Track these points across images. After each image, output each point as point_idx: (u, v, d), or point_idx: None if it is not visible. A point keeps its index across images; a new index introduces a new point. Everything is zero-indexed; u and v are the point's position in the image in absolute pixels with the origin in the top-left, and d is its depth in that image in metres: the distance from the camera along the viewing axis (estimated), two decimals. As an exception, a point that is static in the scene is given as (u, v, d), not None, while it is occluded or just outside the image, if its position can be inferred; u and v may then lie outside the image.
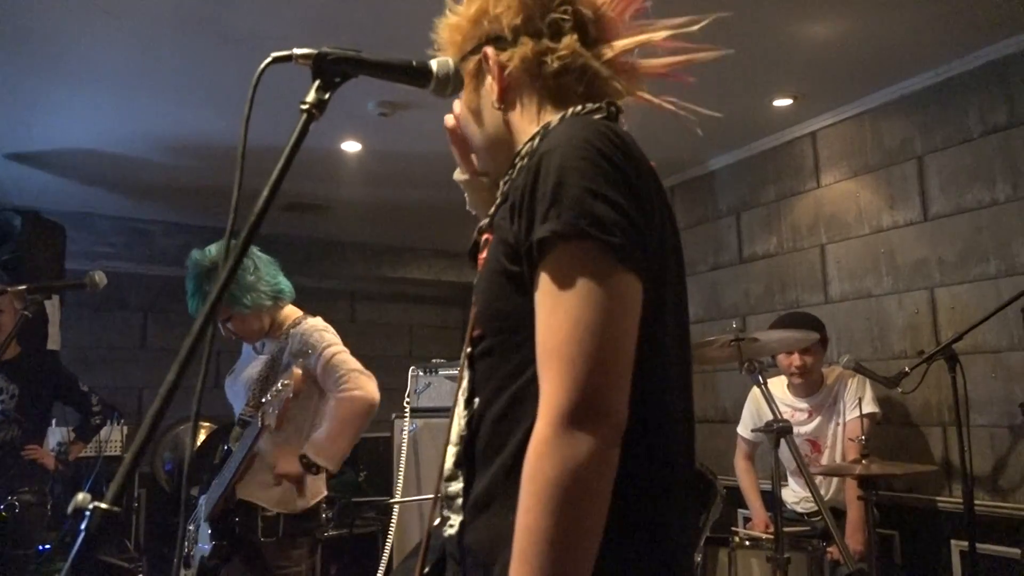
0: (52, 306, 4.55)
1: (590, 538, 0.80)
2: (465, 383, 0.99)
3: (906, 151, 3.46)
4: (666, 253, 0.94)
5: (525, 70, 1.06)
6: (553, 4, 1.06)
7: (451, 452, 1.00)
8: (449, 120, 1.21)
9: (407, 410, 4.03)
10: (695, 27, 1.09)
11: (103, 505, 0.72)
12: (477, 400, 0.97)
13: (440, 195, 4.94)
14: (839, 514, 3.00)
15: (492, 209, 1.07)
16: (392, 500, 3.75)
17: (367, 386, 2.45)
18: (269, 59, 0.97)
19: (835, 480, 3.17)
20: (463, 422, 0.98)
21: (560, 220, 0.85)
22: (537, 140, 1.01)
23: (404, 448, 3.88)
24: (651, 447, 0.89)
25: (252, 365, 2.59)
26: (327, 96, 0.99)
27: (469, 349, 0.99)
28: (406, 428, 3.99)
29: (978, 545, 2.73)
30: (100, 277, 2.35)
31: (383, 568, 3.47)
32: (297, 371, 2.26)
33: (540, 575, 0.78)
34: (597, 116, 1.01)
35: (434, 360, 4.40)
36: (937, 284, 3.30)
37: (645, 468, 0.88)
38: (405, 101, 3.49)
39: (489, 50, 1.07)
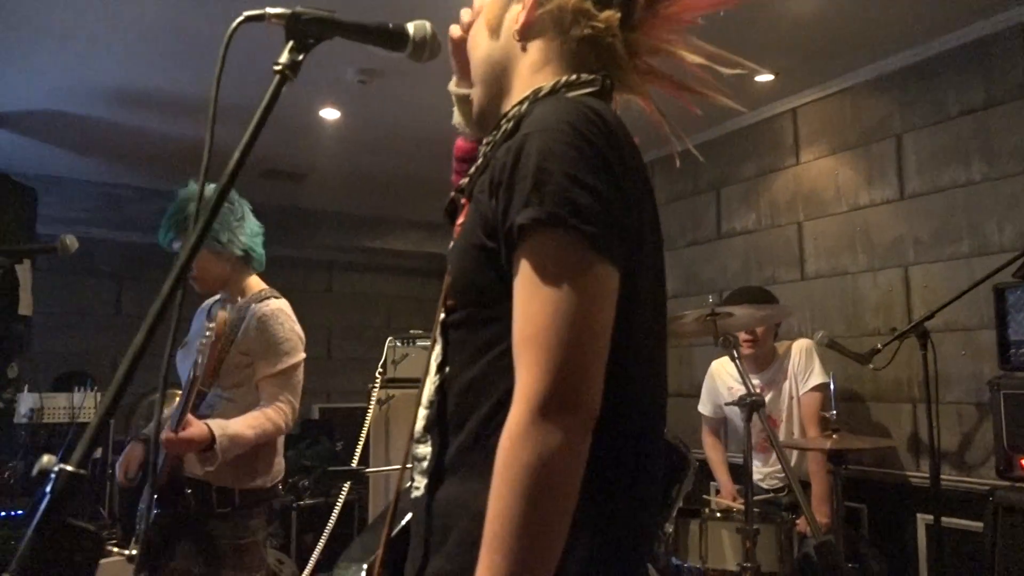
0: (24, 271, 4.47)
1: (560, 526, 0.81)
2: (438, 349, 1.00)
3: (885, 129, 3.47)
4: (644, 235, 0.94)
5: (556, 20, 1.03)
6: None
7: (421, 415, 1.01)
8: (455, 31, 1.18)
9: (378, 380, 4.03)
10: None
11: (68, 467, 0.71)
12: (448, 368, 0.98)
13: (420, 165, 4.89)
14: (803, 487, 3.05)
15: (471, 170, 1.06)
16: (368, 470, 3.75)
17: (289, 418, 2.32)
18: (241, 18, 0.95)
19: (795, 453, 3.21)
20: (434, 387, 0.99)
21: (541, 207, 0.84)
22: (525, 105, 1.00)
23: (370, 416, 3.88)
24: (617, 435, 0.90)
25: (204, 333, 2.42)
26: (300, 57, 0.98)
27: (443, 316, 0.99)
28: (375, 397, 3.98)
29: (943, 519, 2.80)
30: (71, 241, 2.30)
31: (323, 539, 3.45)
32: (222, 313, 2.09)
33: (511, 560, 0.78)
34: (589, 90, 0.99)
35: (411, 331, 4.40)
36: (911, 262, 3.33)
37: (610, 456, 0.89)
38: (385, 69, 3.43)
39: None
